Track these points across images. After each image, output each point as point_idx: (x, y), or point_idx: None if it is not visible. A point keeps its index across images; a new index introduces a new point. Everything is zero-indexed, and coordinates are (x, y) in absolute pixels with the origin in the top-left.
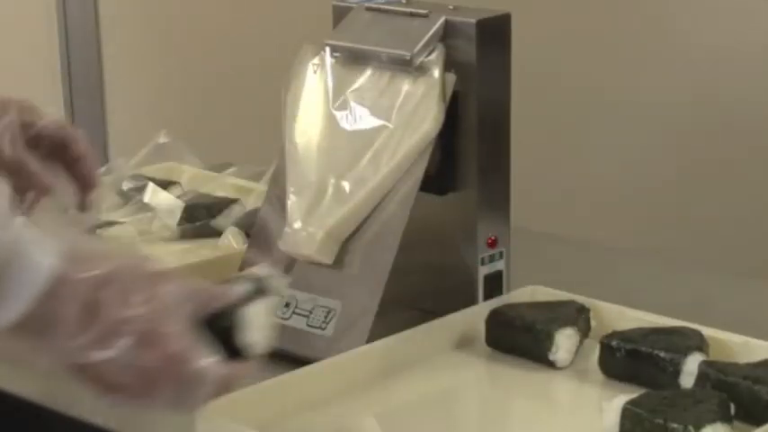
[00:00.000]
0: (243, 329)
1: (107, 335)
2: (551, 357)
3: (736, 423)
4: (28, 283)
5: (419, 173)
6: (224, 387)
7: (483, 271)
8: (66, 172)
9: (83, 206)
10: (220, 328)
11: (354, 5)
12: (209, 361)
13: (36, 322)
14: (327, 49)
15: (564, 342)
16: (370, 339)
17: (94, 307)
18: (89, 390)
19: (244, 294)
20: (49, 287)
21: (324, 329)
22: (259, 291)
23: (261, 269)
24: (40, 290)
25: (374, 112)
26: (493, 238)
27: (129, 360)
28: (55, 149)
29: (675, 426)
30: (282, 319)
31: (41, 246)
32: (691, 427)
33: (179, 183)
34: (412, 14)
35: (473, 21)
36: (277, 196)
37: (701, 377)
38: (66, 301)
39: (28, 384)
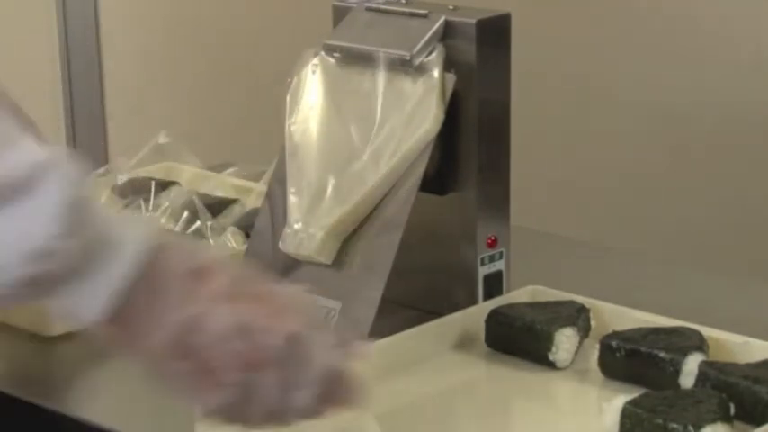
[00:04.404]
0: None
1: (213, 303)
2: (551, 357)
3: (736, 423)
4: (130, 251)
5: (419, 173)
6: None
7: (483, 271)
8: None
9: None
10: None
11: (354, 5)
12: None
13: (138, 294)
14: (327, 49)
15: (564, 342)
16: (370, 339)
17: (200, 278)
18: (183, 380)
19: None
20: (151, 254)
21: None
22: None
23: None
24: (142, 256)
25: (374, 112)
26: (493, 238)
27: (229, 346)
28: None
29: (675, 426)
30: None
31: (134, 230)
32: (690, 427)
33: (179, 183)
34: (412, 14)
35: (473, 21)
36: (277, 196)
37: (701, 377)
38: (168, 272)
39: (28, 384)
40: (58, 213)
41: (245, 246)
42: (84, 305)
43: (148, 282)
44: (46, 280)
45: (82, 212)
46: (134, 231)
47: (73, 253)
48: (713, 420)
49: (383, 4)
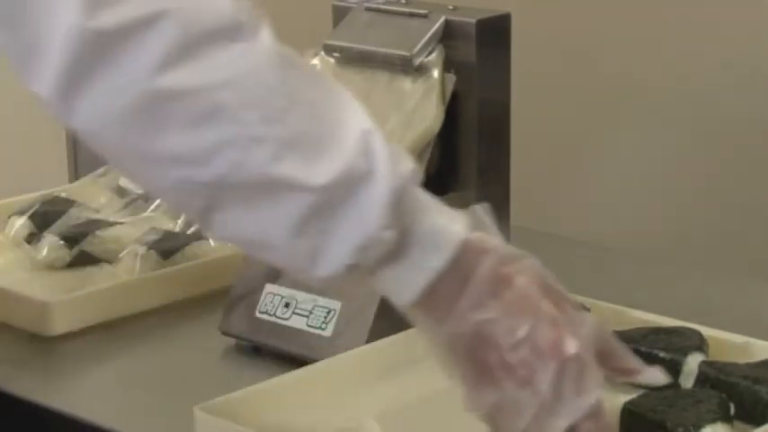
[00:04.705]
0: None
1: (513, 308)
2: None
3: (736, 423)
4: (441, 248)
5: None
6: (593, 419)
7: None
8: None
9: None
10: None
11: (354, 5)
12: (595, 384)
13: (448, 282)
14: (327, 49)
15: None
16: (370, 339)
17: (505, 278)
18: (465, 373)
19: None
20: (464, 245)
21: (324, 329)
22: None
23: None
24: (457, 246)
25: (374, 112)
26: None
27: (528, 336)
28: None
29: (675, 426)
30: (282, 319)
31: (452, 211)
32: (691, 427)
33: None
34: (411, 15)
35: (473, 21)
36: None
37: (701, 377)
38: (478, 264)
39: (28, 384)
40: (385, 207)
41: None
42: (401, 289)
43: (458, 276)
44: (366, 266)
45: (404, 203)
46: (452, 224)
47: (394, 241)
48: (713, 420)
49: (383, 4)
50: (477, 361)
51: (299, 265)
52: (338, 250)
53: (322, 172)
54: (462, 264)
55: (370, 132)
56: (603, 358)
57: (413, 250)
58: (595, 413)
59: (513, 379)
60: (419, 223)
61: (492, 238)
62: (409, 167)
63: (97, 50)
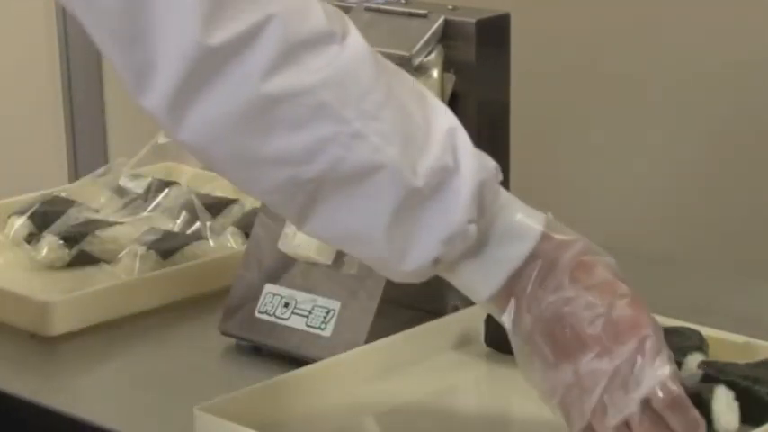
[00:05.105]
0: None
1: (593, 289)
2: None
3: None
4: (521, 242)
5: None
6: (665, 395)
7: None
8: None
9: None
10: None
11: (354, 5)
12: (666, 360)
13: (530, 272)
14: None
15: None
16: (370, 339)
17: (587, 266)
18: (545, 354)
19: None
20: (545, 237)
21: (323, 329)
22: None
23: None
24: (538, 239)
25: None
26: None
27: (606, 312)
28: None
29: None
30: (282, 319)
31: (531, 212)
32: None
33: (179, 183)
34: (411, 15)
35: (472, 21)
36: None
37: (701, 377)
38: (559, 255)
39: (28, 384)
40: (470, 201)
41: (245, 246)
42: (480, 282)
43: (540, 268)
44: (449, 261)
45: (487, 198)
46: (532, 219)
47: (477, 236)
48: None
49: (383, 4)
50: (556, 340)
51: (390, 258)
52: (426, 243)
53: (416, 165)
54: (544, 256)
55: (456, 129)
56: None
57: (493, 244)
58: (668, 386)
59: (590, 352)
60: (501, 218)
61: (571, 232)
62: (492, 164)
63: (210, 65)
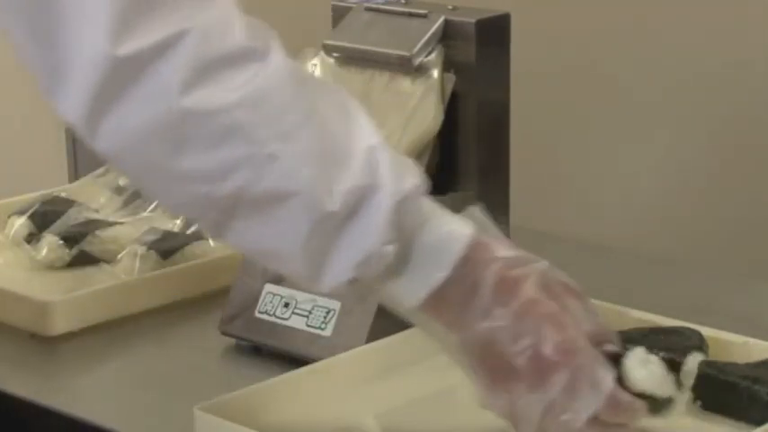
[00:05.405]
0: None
1: (519, 314)
2: None
3: (736, 423)
4: (443, 259)
5: None
6: (611, 407)
7: None
8: None
9: None
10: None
11: (354, 5)
12: (605, 372)
13: (454, 291)
14: (327, 49)
15: None
16: (370, 339)
17: (511, 285)
18: (479, 376)
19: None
20: (468, 254)
21: (323, 329)
22: None
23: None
24: (460, 255)
25: (373, 112)
26: None
27: (534, 343)
28: None
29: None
30: (282, 319)
31: (455, 220)
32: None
33: None
34: (411, 15)
35: (472, 21)
36: None
37: (701, 377)
38: (483, 272)
39: (28, 384)
40: (386, 223)
41: None
42: (404, 297)
43: (464, 284)
44: (369, 279)
45: (407, 217)
46: (454, 234)
47: (396, 255)
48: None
49: (383, 4)
50: (489, 366)
51: (307, 277)
52: (340, 265)
53: (332, 187)
54: (468, 271)
55: (376, 148)
56: None
57: (415, 263)
58: (612, 400)
59: (523, 384)
60: (421, 236)
61: (497, 244)
62: (413, 182)
63: (121, 76)
